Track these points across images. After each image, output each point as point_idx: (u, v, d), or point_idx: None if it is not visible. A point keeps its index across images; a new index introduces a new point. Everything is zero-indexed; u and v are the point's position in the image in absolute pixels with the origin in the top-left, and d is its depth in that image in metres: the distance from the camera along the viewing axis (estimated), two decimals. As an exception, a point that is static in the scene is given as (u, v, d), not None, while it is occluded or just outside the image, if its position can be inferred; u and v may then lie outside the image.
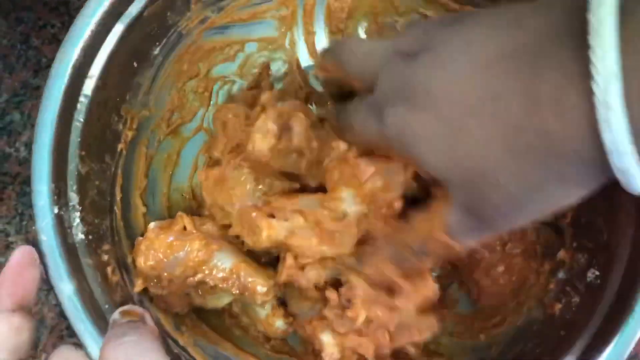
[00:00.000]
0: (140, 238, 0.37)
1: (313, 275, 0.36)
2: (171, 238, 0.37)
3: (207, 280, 0.37)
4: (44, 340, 0.44)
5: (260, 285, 0.37)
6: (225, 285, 0.37)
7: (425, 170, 0.29)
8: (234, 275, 0.37)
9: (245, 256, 0.38)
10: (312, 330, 0.37)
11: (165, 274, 0.36)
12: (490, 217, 0.28)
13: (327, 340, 0.37)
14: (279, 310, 0.40)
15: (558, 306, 0.36)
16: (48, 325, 0.44)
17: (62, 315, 0.30)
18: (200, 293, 0.38)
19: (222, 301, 0.40)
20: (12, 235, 0.48)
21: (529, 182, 0.25)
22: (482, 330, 0.39)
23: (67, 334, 0.44)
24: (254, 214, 0.36)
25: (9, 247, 0.48)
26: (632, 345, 0.31)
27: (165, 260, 0.36)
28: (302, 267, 0.37)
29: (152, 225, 0.38)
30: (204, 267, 0.36)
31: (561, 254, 0.38)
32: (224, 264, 0.37)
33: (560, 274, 0.38)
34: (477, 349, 0.39)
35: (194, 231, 0.37)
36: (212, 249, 0.37)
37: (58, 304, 0.31)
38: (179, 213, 0.38)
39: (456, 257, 0.34)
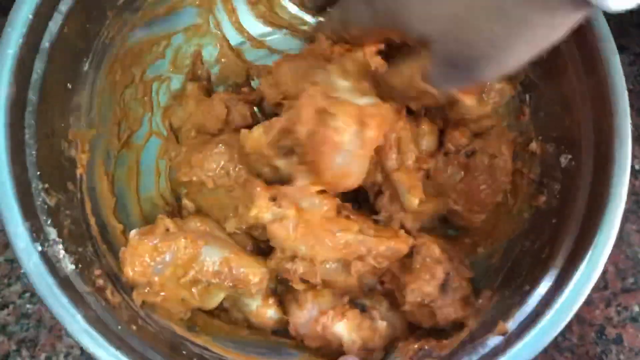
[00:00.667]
0: (124, 248, 0.35)
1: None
2: (155, 241, 0.35)
3: (199, 277, 0.36)
4: (43, 340, 0.43)
5: (252, 274, 0.36)
6: (217, 279, 0.36)
7: (412, 37, 0.31)
8: (225, 269, 0.36)
9: (235, 247, 0.38)
10: (323, 329, 0.37)
11: (156, 278, 0.35)
12: (474, 62, 0.29)
13: (342, 330, 0.37)
14: (269, 299, 0.39)
15: (542, 198, 0.38)
16: (47, 325, 0.43)
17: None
18: (196, 296, 0.37)
19: (218, 298, 0.38)
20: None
21: (512, 17, 0.26)
22: (479, 243, 0.40)
23: (65, 333, 0.43)
24: (258, 189, 0.35)
25: (7, 246, 0.45)
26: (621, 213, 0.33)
27: (152, 264, 0.35)
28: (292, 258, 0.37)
29: (132, 233, 0.36)
30: (193, 264, 0.36)
31: (532, 147, 0.39)
32: (212, 257, 0.36)
33: (536, 168, 0.39)
34: (478, 263, 0.40)
35: (178, 230, 0.36)
36: (199, 245, 0.36)
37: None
38: (160, 216, 0.37)
39: (434, 103, 0.36)
